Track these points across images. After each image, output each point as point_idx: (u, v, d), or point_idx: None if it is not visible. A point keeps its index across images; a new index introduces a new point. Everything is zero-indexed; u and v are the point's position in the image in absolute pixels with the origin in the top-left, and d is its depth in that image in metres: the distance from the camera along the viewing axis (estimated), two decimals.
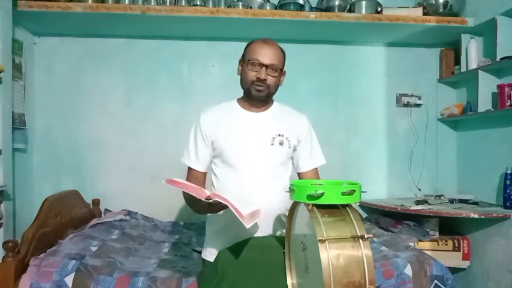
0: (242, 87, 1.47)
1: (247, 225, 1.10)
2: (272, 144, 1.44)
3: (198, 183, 1.44)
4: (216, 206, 1.18)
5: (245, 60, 1.44)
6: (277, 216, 1.43)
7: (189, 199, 1.28)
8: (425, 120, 2.93)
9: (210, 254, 1.47)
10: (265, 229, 1.41)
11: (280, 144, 1.45)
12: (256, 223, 1.35)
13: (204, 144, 1.47)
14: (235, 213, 1.10)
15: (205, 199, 1.14)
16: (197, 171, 1.49)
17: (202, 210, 1.31)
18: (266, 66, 1.39)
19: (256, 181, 1.41)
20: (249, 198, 1.33)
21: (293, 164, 1.55)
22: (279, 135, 1.45)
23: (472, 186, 2.71)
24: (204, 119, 1.48)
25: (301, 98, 2.81)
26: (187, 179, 1.49)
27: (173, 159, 2.73)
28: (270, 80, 1.41)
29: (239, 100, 1.52)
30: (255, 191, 1.40)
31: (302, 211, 1.12)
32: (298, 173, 1.56)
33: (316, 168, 1.56)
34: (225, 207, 1.17)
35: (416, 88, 2.95)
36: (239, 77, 1.48)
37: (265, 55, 1.40)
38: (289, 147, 1.47)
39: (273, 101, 1.54)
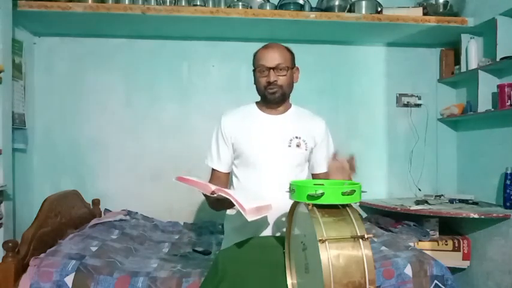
0: (259, 94, 1.54)
1: (249, 218, 1.13)
2: (289, 146, 1.49)
3: (220, 183, 1.52)
4: (225, 201, 1.22)
5: (255, 69, 1.51)
6: None
7: (205, 197, 1.35)
8: (425, 120, 2.93)
9: None
10: (280, 228, 1.45)
11: (297, 146, 1.50)
12: (267, 221, 1.41)
13: (225, 146, 1.54)
14: (237, 206, 1.14)
15: (211, 194, 1.19)
16: (219, 171, 1.56)
17: (214, 206, 1.39)
18: (273, 68, 1.45)
19: (273, 181, 1.45)
20: (265, 196, 1.37)
21: (309, 165, 1.60)
22: (296, 137, 1.51)
23: (472, 186, 2.70)
24: (225, 122, 1.55)
25: (301, 98, 2.76)
26: (210, 180, 1.57)
27: (173, 159, 2.77)
28: (281, 80, 1.47)
29: (258, 103, 1.58)
30: (272, 191, 1.42)
31: (302, 211, 1.12)
32: (312, 174, 1.61)
33: None
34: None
35: (416, 88, 2.95)
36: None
37: (269, 58, 1.46)
38: (306, 150, 1.52)
39: (291, 103, 1.60)
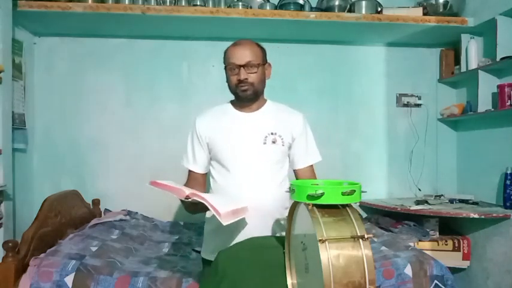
0: (231, 93, 1.52)
1: (224, 223, 1.13)
2: (264, 143, 1.46)
3: (197, 184, 1.52)
4: (201, 205, 1.20)
5: (225, 68, 1.49)
6: (273, 214, 1.45)
7: (181, 201, 1.32)
8: (425, 120, 2.93)
9: (208, 253, 1.51)
10: (261, 226, 1.42)
11: (273, 142, 1.47)
12: (245, 222, 1.38)
13: (200, 147, 1.53)
14: (212, 210, 1.13)
15: (185, 198, 1.17)
16: (196, 173, 1.55)
17: (190, 209, 1.36)
18: (243, 66, 1.43)
19: (251, 181, 1.44)
20: (241, 197, 1.36)
21: (289, 160, 1.57)
22: (272, 133, 1.48)
23: (472, 186, 2.70)
24: (199, 123, 1.53)
25: (301, 98, 2.81)
26: (187, 181, 1.56)
27: (173, 159, 2.74)
28: (252, 78, 1.45)
29: (232, 102, 1.56)
30: (250, 191, 1.42)
31: (302, 211, 1.12)
32: (294, 170, 1.58)
33: (312, 165, 1.57)
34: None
35: (416, 88, 2.95)
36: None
37: (239, 56, 1.44)
38: (283, 145, 1.49)
39: (266, 100, 1.56)
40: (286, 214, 1.50)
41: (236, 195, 1.40)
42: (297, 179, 1.56)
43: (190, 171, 1.57)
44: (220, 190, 1.48)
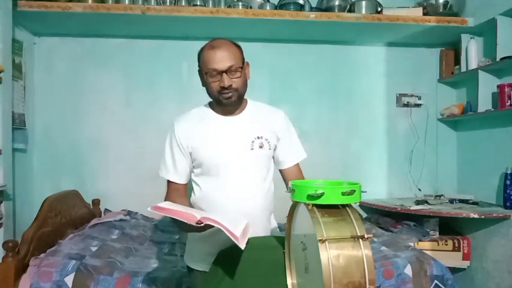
0: (211, 98, 1.41)
1: (242, 246, 1.06)
2: (252, 149, 1.38)
3: (179, 195, 1.41)
4: (206, 227, 1.12)
5: (203, 72, 1.37)
6: (260, 220, 1.41)
7: (175, 221, 1.17)
8: (425, 120, 2.93)
9: (191, 261, 1.45)
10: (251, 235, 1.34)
11: (260, 147, 1.39)
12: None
13: (182, 156, 1.41)
14: (230, 236, 1.05)
15: (196, 223, 1.07)
16: (177, 183, 1.42)
17: (190, 231, 1.26)
18: (225, 71, 1.31)
19: (239, 188, 1.37)
20: (235, 213, 1.29)
21: (274, 161, 1.49)
22: (258, 137, 1.40)
23: (472, 186, 2.71)
24: (179, 129, 1.42)
25: (301, 98, 2.81)
26: (168, 193, 1.44)
27: None
28: (236, 83, 1.33)
29: (212, 104, 1.45)
30: (238, 198, 1.36)
31: (302, 211, 1.12)
32: (281, 170, 1.50)
33: (298, 163, 1.49)
34: (213, 226, 1.11)
35: (416, 88, 2.95)
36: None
37: (220, 61, 1.32)
38: (270, 149, 1.42)
39: (246, 100, 1.47)
40: (271, 219, 1.49)
41: (225, 203, 1.35)
42: (284, 179, 1.49)
43: (170, 182, 1.42)
44: (205, 197, 1.40)
